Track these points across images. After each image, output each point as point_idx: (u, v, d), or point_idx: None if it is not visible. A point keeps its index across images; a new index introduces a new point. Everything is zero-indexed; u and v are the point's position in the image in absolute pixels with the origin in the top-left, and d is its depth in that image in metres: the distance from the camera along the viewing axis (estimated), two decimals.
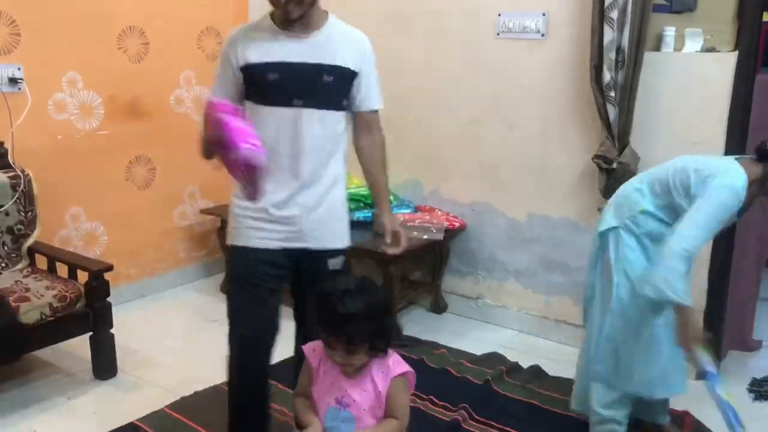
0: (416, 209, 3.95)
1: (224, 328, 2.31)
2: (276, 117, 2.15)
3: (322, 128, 2.18)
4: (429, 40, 3.85)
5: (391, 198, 3.87)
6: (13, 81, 3.40)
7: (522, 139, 3.64)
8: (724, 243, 3.17)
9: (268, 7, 2.15)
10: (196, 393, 3.07)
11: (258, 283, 2.24)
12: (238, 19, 4.32)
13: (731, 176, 2.25)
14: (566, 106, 3.47)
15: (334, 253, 2.30)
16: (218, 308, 3.85)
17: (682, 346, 2.25)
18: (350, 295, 1.75)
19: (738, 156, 2.44)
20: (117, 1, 3.81)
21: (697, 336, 2.21)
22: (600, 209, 3.49)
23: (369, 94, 2.27)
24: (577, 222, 3.55)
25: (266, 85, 2.14)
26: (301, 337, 2.32)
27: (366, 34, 2.26)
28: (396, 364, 1.89)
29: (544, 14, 3.45)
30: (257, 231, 2.23)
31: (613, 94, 3.17)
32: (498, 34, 3.60)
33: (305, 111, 2.15)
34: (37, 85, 3.50)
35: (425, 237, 3.61)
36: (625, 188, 2.57)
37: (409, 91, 3.94)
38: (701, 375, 2.21)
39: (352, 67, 2.20)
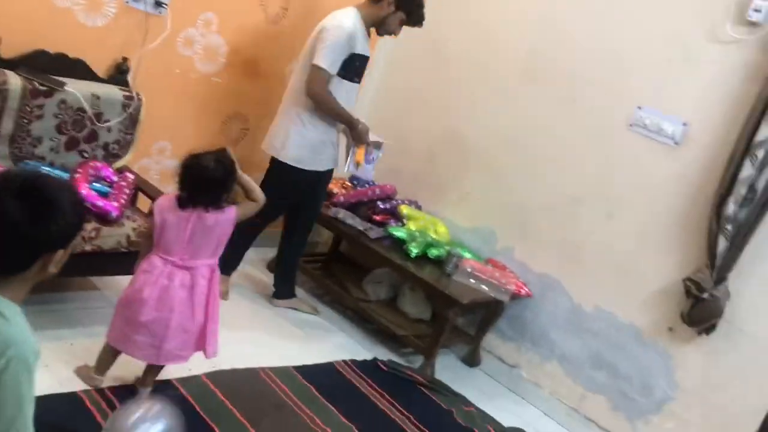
0: (487, 262, 3.89)
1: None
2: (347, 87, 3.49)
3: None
4: (562, 104, 3.80)
5: (460, 249, 3.84)
6: (158, 4, 3.36)
7: (617, 232, 3.59)
8: None
9: None
10: (234, 370, 3.04)
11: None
12: None
13: None
14: (675, 220, 3.42)
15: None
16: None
17: None
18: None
19: None
20: None
21: None
22: (671, 329, 3.48)
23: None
24: (642, 332, 3.50)
25: (353, 68, 3.44)
26: None
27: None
28: None
29: (684, 124, 3.41)
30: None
31: (729, 227, 3.13)
32: (631, 125, 3.55)
33: (356, 86, 3.59)
34: (177, 15, 3.46)
35: (492, 295, 3.57)
36: None
37: (522, 141, 3.91)
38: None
39: None
